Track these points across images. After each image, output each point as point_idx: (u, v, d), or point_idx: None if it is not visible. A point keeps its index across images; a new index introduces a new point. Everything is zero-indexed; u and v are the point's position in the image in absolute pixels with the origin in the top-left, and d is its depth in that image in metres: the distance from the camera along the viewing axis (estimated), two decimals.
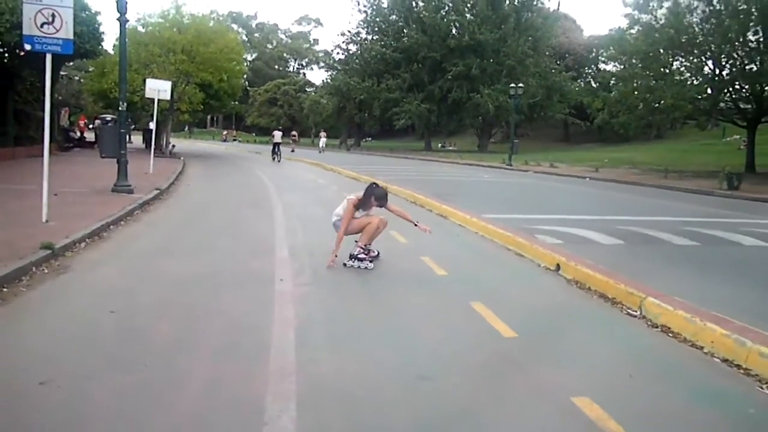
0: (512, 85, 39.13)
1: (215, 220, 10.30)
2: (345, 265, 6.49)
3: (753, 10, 25.43)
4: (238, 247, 7.74)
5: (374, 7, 61.69)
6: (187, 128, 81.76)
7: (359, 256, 6.53)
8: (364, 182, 18.52)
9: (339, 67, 66.02)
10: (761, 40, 27.38)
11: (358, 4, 61.78)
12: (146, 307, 4.90)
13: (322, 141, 48.85)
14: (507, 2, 55.73)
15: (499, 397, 3.48)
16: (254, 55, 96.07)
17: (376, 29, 62.14)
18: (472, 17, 53.64)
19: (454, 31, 54.85)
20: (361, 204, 6.65)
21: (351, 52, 64.98)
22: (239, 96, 45.44)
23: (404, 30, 57.13)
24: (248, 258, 6.94)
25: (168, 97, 21.11)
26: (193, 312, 4.80)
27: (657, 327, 4.77)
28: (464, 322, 4.82)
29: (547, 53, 57.73)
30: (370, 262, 6.57)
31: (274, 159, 31.12)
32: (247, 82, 74.96)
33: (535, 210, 12.59)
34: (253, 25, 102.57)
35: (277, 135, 32.24)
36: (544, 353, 4.17)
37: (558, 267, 6.66)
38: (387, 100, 55.75)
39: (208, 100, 31.65)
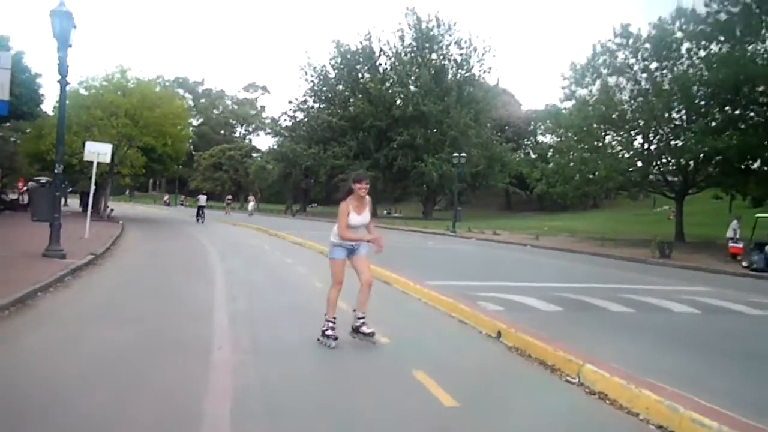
0: (455, 154, 40.36)
1: (151, 285, 9.96)
2: (358, 332, 6.17)
3: (675, 89, 27.36)
4: (174, 313, 7.48)
5: (321, 77, 63.16)
6: (127, 192, 79.98)
7: (329, 333, 6.00)
8: (308, 248, 18.51)
9: (286, 134, 66.68)
10: (683, 117, 29.36)
11: (306, 73, 63.15)
12: (72, 379, 4.62)
13: (251, 204, 53.43)
14: (449, 76, 58.21)
15: None
16: (200, 120, 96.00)
17: (323, 98, 63.43)
18: (416, 89, 55.56)
19: (398, 101, 56.57)
20: (348, 199, 6.10)
21: (298, 119, 65.91)
22: (183, 160, 45.08)
23: (350, 99, 58.55)
24: (185, 325, 6.71)
25: (108, 160, 20.71)
26: (121, 383, 4.55)
27: (595, 394, 4.82)
28: (406, 391, 4.74)
29: (488, 125, 60.09)
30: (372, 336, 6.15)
31: (198, 220, 33.61)
32: (192, 147, 74.53)
33: (478, 277, 12.76)
34: (200, 91, 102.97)
35: (202, 199, 36.06)
36: (484, 423, 4.13)
37: (499, 334, 6.70)
38: (333, 166, 56.34)
39: (150, 163, 31.24)
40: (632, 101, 31.49)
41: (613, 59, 31.67)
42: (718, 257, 20.97)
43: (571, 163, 31.95)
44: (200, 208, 35.14)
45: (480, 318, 7.40)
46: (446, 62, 58.91)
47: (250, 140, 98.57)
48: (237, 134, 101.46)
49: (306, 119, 64.09)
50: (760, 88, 25.03)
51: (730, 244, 21.43)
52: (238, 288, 9.84)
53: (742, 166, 26.92)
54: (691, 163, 29.06)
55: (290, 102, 65.86)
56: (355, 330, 6.14)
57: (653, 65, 30.87)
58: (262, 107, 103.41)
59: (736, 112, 26.32)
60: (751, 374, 5.75)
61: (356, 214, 6.06)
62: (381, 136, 56.12)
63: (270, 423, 3.90)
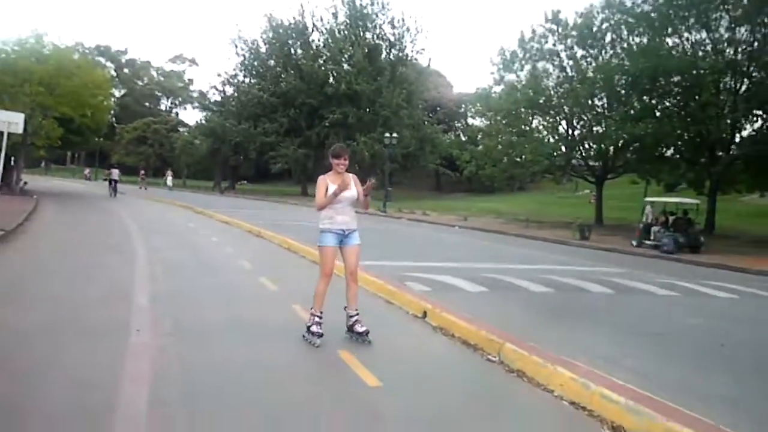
0: (387, 134, 40.50)
1: (65, 264, 9.50)
2: (353, 332, 5.63)
3: (599, 77, 28.40)
4: (89, 294, 7.15)
5: (252, 51, 61.56)
6: (43, 164, 75.69)
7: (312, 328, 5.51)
8: (236, 227, 18.13)
9: (215, 108, 64.76)
10: (605, 105, 30.58)
11: (236, 47, 61.36)
12: None
13: (169, 179, 53.01)
14: (383, 55, 58.01)
15: None
16: (123, 92, 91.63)
17: (254, 73, 61.87)
18: (349, 68, 55.10)
19: (331, 79, 55.96)
20: (327, 174, 5.64)
21: (227, 93, 64.12)
22: (104, 132, 43.02)
23: (282, 75, 57.33)
24: (100, 307, 6.43)
25: (20, 131, 19.50)
26: (31, 369, 4.33)
27: (514, 372, 4.98)
28: (330, 373, 4.76)
29: (420, 106, 60.41)
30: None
31: (111, 194, 32.68)
32: (114, 119, 71.26)
33: (407, 257, 12.90)
34: (123, 60, 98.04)
35: (115, 172, 34.68)
36: (406, 401, 4.19)
37: (425, 314, 6.81)
38: (263, 143, 55.31)
39: (68, 135, 29.62)
40: (558, 87, 32.50)
41: (542, 45, 32.48)
42: (633, 239, 22.06)
43: (499, 146, 32.73)
44: (113, 181, 33.93)
45: (406, 298, 7.50)
46: (380, 41, 58.63)
47: (177, 114, 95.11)
48: (163, 107, 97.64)
49: (236, 94, 62.43)
50: (675, 79, 26.32)
51: (641, 227, 22.68)
52: (160, 267, 9.53)
53: (657, 154, 28.37)
54: (611, 149, 30.35)
55: (219, 76, 63.88)
56: (350, 329, 5.62)
57: (580, 53, 31.94)
58: (190, 80, 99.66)
59: (653, 101, 27.61)
60: (657, 352, 6.10)
61: (335, 187, 5.51)
62: (313, 113, 55.45)
63: (189, 410, 3.80)
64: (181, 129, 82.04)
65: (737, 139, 27.36)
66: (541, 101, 31.68)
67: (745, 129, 27.68)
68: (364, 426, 3.77)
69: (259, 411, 3.85)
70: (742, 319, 8.67)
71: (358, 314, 5.62)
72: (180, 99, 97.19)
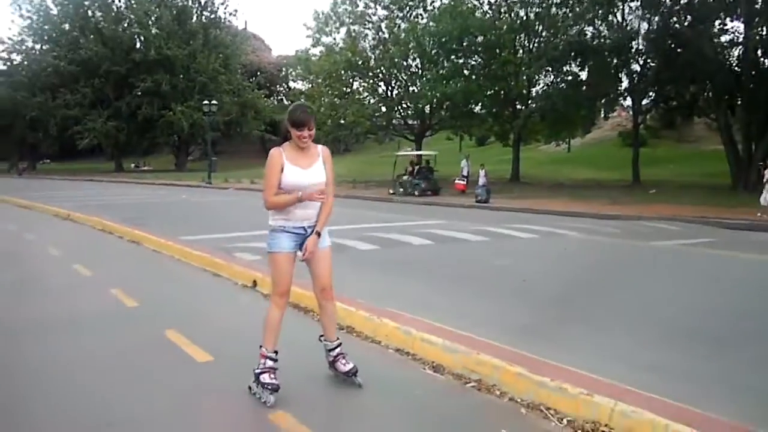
0: (206, 101, 38.77)
1: None
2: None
3: (410, 39, 29.58)
4: None
5: (41, 13, 54.75)
6: None
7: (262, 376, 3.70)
8: (40, 211, 16.41)
9: (1, 79, 57.06)
10: (419, 66, 32.00)
11: (20, 8, 54.14)
12: None
13: None
14: (194, 18, 55.02)
15: (190, 424, 3.40)
16: None
17: (46, 38, 55.28)
18: (157, 31, 51.50)
19: (138, 44, 51.99)
20: (283, 146, 3.82)
21: (15, 62, 56.71)
22: None
23: (81, 41, 51.95)
24: None
25: None
26: None
27: (344, 329, 5.19)
28: (157, 353, 4.59)
29: (239, 71, 58.49)
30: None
31: None
32: None
33: (235, 228, 12.62)
34: None
35: None
36: (238, 373, 4.20)
37: (255, 283, 6.79)
38: (66, 117, 50.14)
39: None
40: (375, 49, 33.32)
41: (353, 8, 32.91)
42: (451, 192, 23.68)
43: (322, 109, 32.94)
44: None
45: (235, 269, 7.41)
46: (189, 3, 55.39)
47: None
48: None
49: (26, 62, 55.52)
50: (479, 39, 28.28)
51: (456, 181, 24.56)
52: None
53: (467, 110, 30.50)
54: (427, 108, 32.00)
55: (3, 42, 55.99)
56: (331, 365, 4.01)
57: (387, 14, 32.93)
58: None
59: (461, 61, 29.46)
60: (471, 293, 6.71)
61: (298, 168, 3.71)
62: (121, 82, 51.23)
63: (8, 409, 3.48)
64: None
65: (533, 94, 30.27)
66: (359, 63, 32.31)
67: (538, 84, 30.67)
68: (194, 400, 3.73)
69: (82, 403, 3.63)
70: (542, 256, 9.79)
71: (340, 344, 3.98)
72: None
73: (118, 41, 50.58)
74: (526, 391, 3.62)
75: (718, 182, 24.41)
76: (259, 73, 66.58)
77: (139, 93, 50.26)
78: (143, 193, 26.07)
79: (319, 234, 3.77)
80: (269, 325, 3.83)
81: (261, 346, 3.80)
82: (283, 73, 65.39)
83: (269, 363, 3.74)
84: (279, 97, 67.55)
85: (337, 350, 3.97)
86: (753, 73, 24.84)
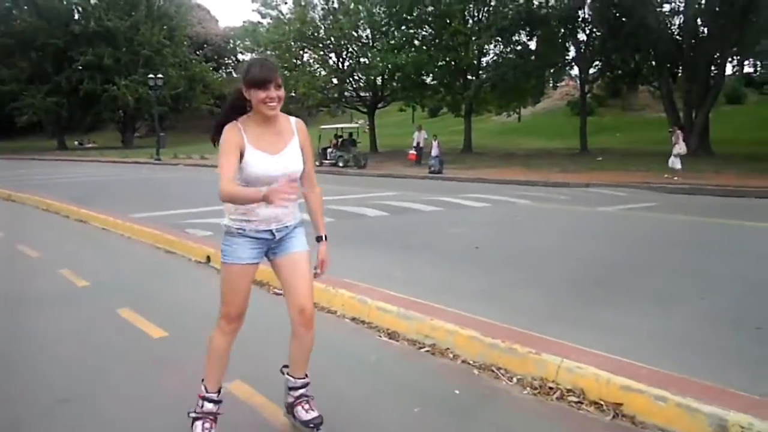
0: (151, 75, 37.54)
1: None
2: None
3: (360, 8, 29.24)
4: None
5: None
6: None
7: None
8: None
9: None
10: (369, 36, 31.70)
11: None
12: None
13: None
14: None
15: (144, 397, 3.40)
16: None
17: None
18: (97, 2, 49.35)
19: (77, 15, 49.71)
20: (240, 121, 2.67)
21: None
22: None
23: (14, 12, 49.28)
24: None
25: None
26: None
27: None
28: (110, 332, 4.54)
29: (185, 43, 56.68)
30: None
31: None
32: None
33: (187, 204, 12.42)
34: None
35: None
36: (193, 346, 4.20)
37: (208, 259, 6.74)
38: (1, 93, 47.76)
39: None
40: (324, 20, 32.82)
41: None
42: (405, 164, 23.79)
43: None
44: None
45: (188, 245, 7.33)
46: None
47: None
48: None
49: None
50: (429, 9, 28.17)
51: (410, 152, 24.69)
52: None
53: (419, 81, 30.49)
54: (378, 79, 31.83)
55: None
56: (290, 409, 3.01)
57: None
58: None
59: (411, 31, 29.34)
60: (424, 261, 6.83)
61: (265, 154, 2.67)
62: (60, 56, 48.98)
63: None
64: None
65: (484, 65, 30.47)
66: (309, 34, 31.80)
67: (488, 54, 30.89)
68: (149, 375, 3.72)
69: (35, 382, 3.58)
70: (494, 224, 10.00)
71: (307, 385, 3.01)
72: None
73: (54, 12, 48.21)
74: (478, 353, 3.75)
75: (661, 149, 25.19)
76: (206, 46, 64.78)
77: (80, 67, 48.20)
78: (90, 172, 25.26)
79: (325, 239, 2.99)
80: (213, 356, 2.86)
81: (202, 380, 2.84)
82: (231, 45, 63.77)
83: (208, 406, 2.79)
84: (228, 70, 65.98)
85: (301, 391, 2.96)
86: (693, 41, 25.60)
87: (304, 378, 3.00)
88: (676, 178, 16.42)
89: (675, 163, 16.84)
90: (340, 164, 24.88)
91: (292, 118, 2.87)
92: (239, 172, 2.61)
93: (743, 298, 5.20)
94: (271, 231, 2.78)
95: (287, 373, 3.03)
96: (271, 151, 2.68)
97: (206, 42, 64.98)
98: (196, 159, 31.11)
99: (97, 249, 8.11)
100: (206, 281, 6.11)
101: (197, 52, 59.33)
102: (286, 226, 2.83)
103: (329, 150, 26.04)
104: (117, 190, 16.93)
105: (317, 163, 24.11)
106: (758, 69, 42.13)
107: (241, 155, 2.60)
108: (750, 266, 6.47)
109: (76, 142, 58.30)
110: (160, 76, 38.13)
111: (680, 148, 17.13)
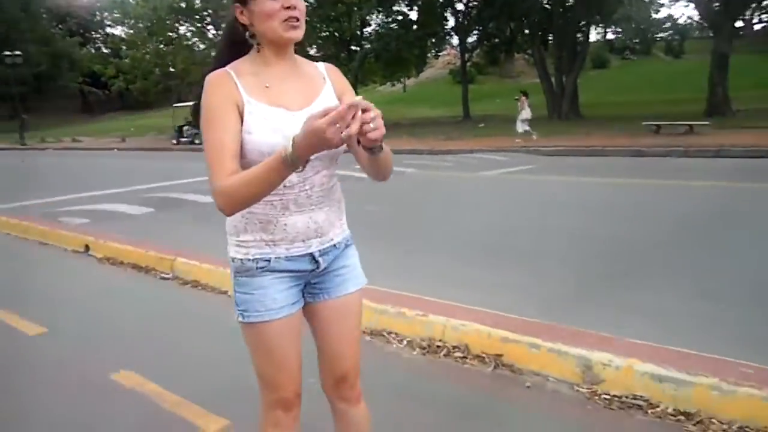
0: (7, 53, 34.21)
1: None
2: None
3: None
4: None
5: None
6: None
7: None
8: None
9: None
10: None
11: None
12: None
13: None
14: None
15: (32, 399, 3.24)
16: None
17: None
18: None
19: None
20: (234, 66, 1.58)
21: None
22: None
23: None
24: None
25: None
26: None
27: (188, 283, 5.12)
28: None
29: (44, 15, 52.11)
30: None
31: None
32: None
33: (59, 191, 11.62)
34: None
35: None
36: (75, 340, 4.03)
37: (87, 248, 6.40)
38: None
39: None
40: None
41: None
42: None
43: (147, 56, 30.74)
44: None
45: (63, 235, 6.90)
46: None
47: None
48: None
49: None
50: None
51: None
52: None
53: (303, 53, 30.02)
54: None
55: None
56: None
57: None
58: None
59: None
60: None
61: (276, 108, 1.55)
62: None
63: None
64: None
65: (367, 35, 30.54)
66: (184, 6, 30.30)
67: (371, 25, 30.98)
68: (30, 374, 3.53)
69: None
70: (380, 193, 10.17)
71: None
72: None
73: None
74: (370, 319, 3.87)
75: (536, 114, 26.62)
76: (69, 18, 59.84)
77: None
78: None
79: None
80: None
81: None
82: (98, 17, 59.36)
83: None
84: (96, 45, 61.46)
85: None
86: (561, 10, 27.05)
87: None
88: (518, 140, 17.47)
89: (521, 126, 17.96)
90: (197, 141, 23.99)
91: (320, 64, 1.79)
92: (243, 144, 1.54)
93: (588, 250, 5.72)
94: (312, 256, 1.69)
95: None
96: (292, 106, 1.58)
97: (68, 14, 59.99)
98: (67, 142, 29.02)
99: None
100: (87, 271, 5.82)
101: (59, 26, 54.72)
102: (334, 245, 1.76)
103: (185, 128, 25.32)
104: None
105: (173, 142, 23.87)
106: (617, 35, 45.37)
107: (241, 116, 1.54)
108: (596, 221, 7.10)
109: None
110: (18, 53, 34.87)
111: (526, 113, 18.25)
